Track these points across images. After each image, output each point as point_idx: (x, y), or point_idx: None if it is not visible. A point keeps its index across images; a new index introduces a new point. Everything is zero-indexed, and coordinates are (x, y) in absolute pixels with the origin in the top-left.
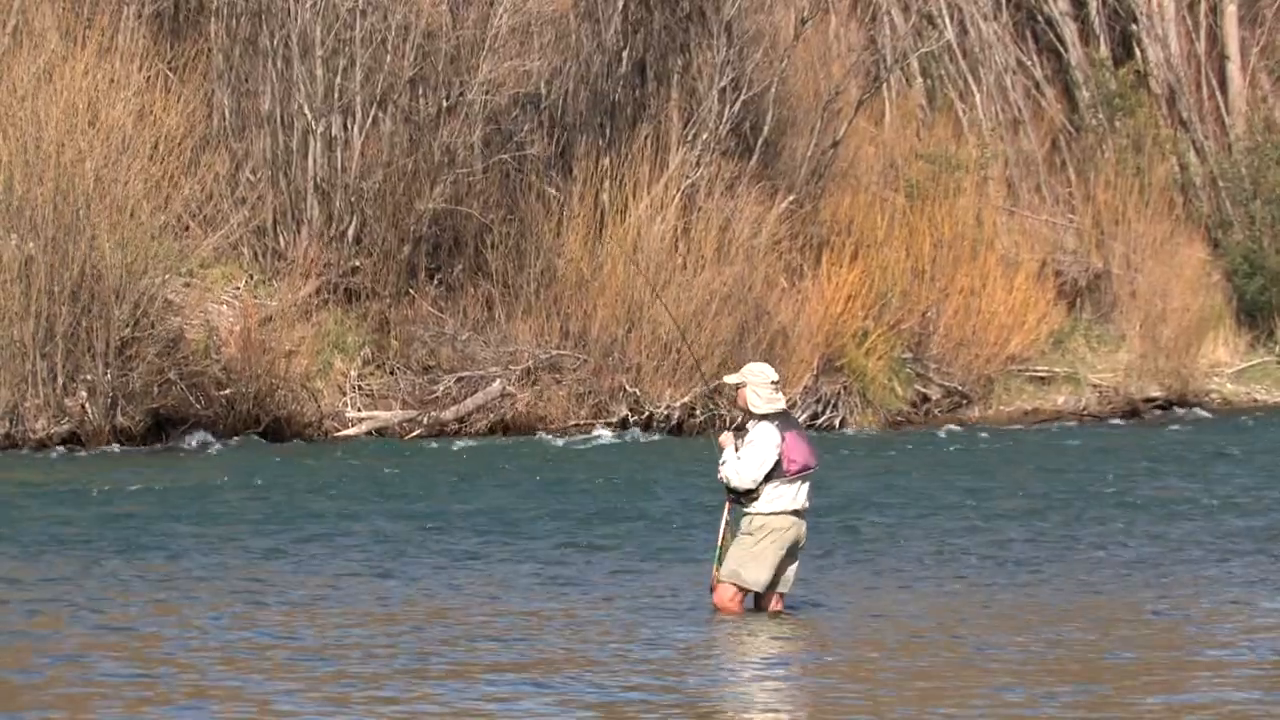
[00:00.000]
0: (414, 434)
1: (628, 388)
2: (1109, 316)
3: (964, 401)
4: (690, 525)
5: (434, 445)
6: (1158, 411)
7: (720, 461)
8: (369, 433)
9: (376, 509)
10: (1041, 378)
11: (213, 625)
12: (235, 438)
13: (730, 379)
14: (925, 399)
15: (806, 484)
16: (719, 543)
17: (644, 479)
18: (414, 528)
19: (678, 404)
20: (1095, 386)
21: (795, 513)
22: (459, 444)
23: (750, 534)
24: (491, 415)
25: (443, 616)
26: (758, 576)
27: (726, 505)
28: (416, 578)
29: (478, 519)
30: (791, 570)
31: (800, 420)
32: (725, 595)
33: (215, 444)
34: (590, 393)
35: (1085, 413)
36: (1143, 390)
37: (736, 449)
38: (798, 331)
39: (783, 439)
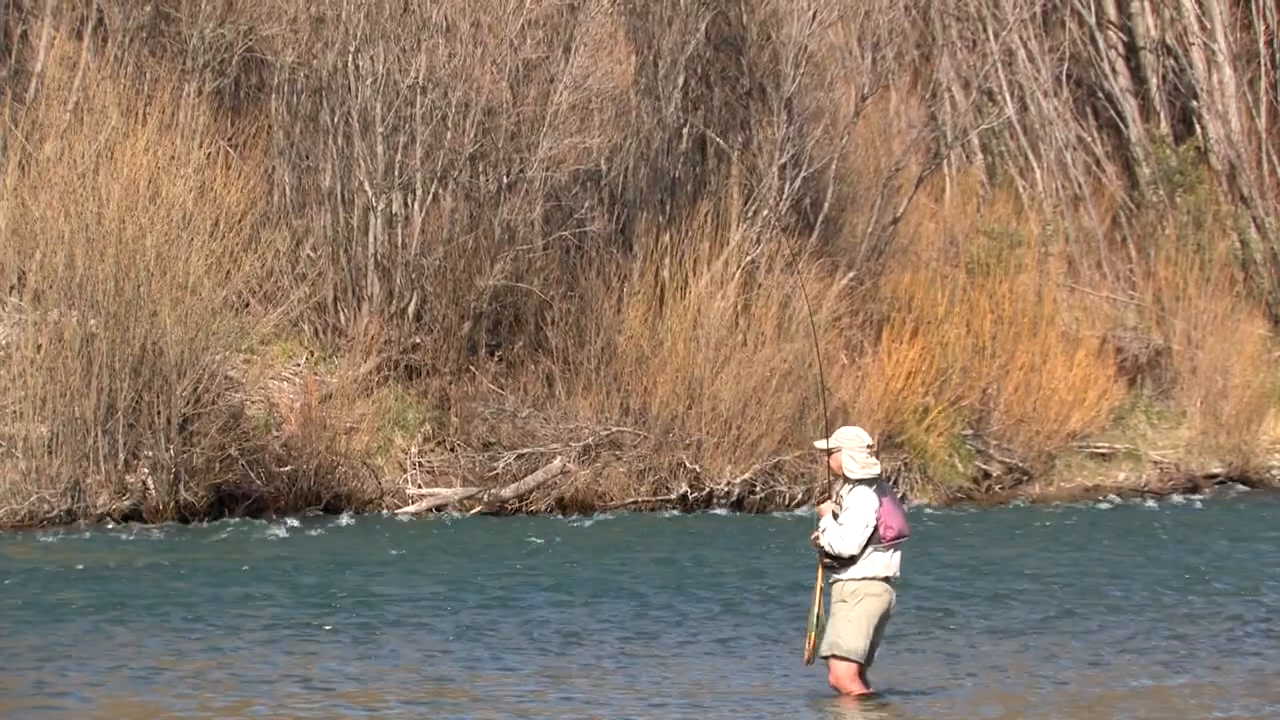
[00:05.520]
0: (474, 510)
1: (688, 464)
2: (1169, 393)
3: (1025, 478)
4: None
5: (495, 520)
6: (1218, 487)
7: (820, 529)
8: (429, 510)
9: (443, 586)
10: (1102, 454)
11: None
12: (295, 514)
13: (822, 444)
14: (986, 475)
15: (899, 552)
16: (814, 610)
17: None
18: (490, 608)
19: (738, 480)
20: (1156, 463)
21: (887, 580)
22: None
23: (844, 601)
24: (552, 492)
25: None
26: (856, 645)
27: (819, 572)
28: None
29: (548, 597)
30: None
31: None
32: (843, 673)
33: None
34: (650, 469)
35: (1146, 489)
36: (1204, 467)
37: (835, 515)
38: (858, 408)
39: (880, 504)
